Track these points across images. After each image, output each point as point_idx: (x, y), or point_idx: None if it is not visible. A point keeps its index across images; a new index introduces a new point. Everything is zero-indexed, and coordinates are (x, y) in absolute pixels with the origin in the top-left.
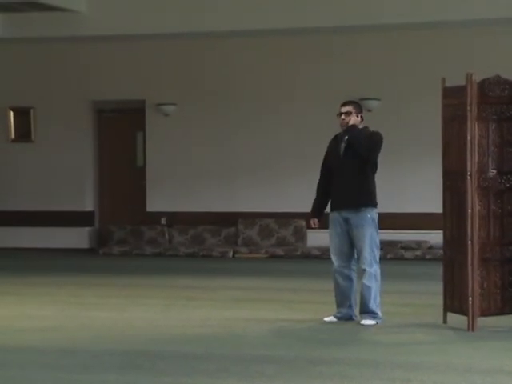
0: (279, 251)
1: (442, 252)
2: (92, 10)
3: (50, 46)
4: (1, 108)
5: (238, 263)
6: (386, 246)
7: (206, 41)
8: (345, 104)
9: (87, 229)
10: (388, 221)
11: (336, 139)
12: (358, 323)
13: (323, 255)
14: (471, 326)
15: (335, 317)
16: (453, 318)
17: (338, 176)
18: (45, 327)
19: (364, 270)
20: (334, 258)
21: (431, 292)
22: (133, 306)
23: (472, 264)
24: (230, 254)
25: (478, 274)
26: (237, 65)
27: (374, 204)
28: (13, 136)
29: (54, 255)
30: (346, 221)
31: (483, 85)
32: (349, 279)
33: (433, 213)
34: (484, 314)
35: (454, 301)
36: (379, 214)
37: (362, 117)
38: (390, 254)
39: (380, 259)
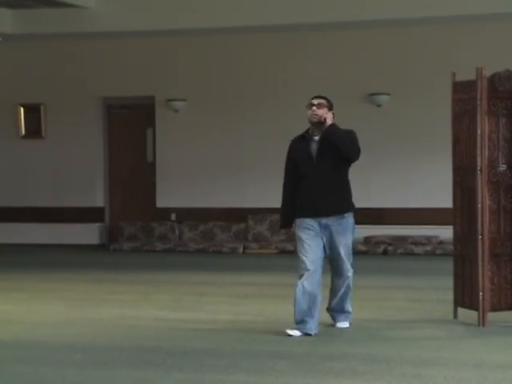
0: (289, 247)
1: (452, 247)
2: (101, 6)
3: (60, 42)
4: (11, 104)
5: (248, 259)
6: (395, 241)
7: (216, 37)
8: (317, 97)
9: (97, 225)
10: (398, 216)
11: (304, 139)
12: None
13: None
14: (482, 322)
15: None
16: (463, 313)
17: (311, 179)
18: (55, 323)
19: (346, 275)
20: (308, 264)
21: (441, 287)
22: (143, 301)
23: (482, 259)
24: (240, 250)
25: (489, 269)
26: (246, 61)
27: (353, 207)
28: (23, 132)
29: (64, 251)
30: (325, 227)
31: (493, 79)
32: (319, 285)
33: (443, 208)
34: (494, 309)
35: (465, 296)
36: (389, 209)
37: (333, 114)
38: (400, 249)
39: (390, 254)
